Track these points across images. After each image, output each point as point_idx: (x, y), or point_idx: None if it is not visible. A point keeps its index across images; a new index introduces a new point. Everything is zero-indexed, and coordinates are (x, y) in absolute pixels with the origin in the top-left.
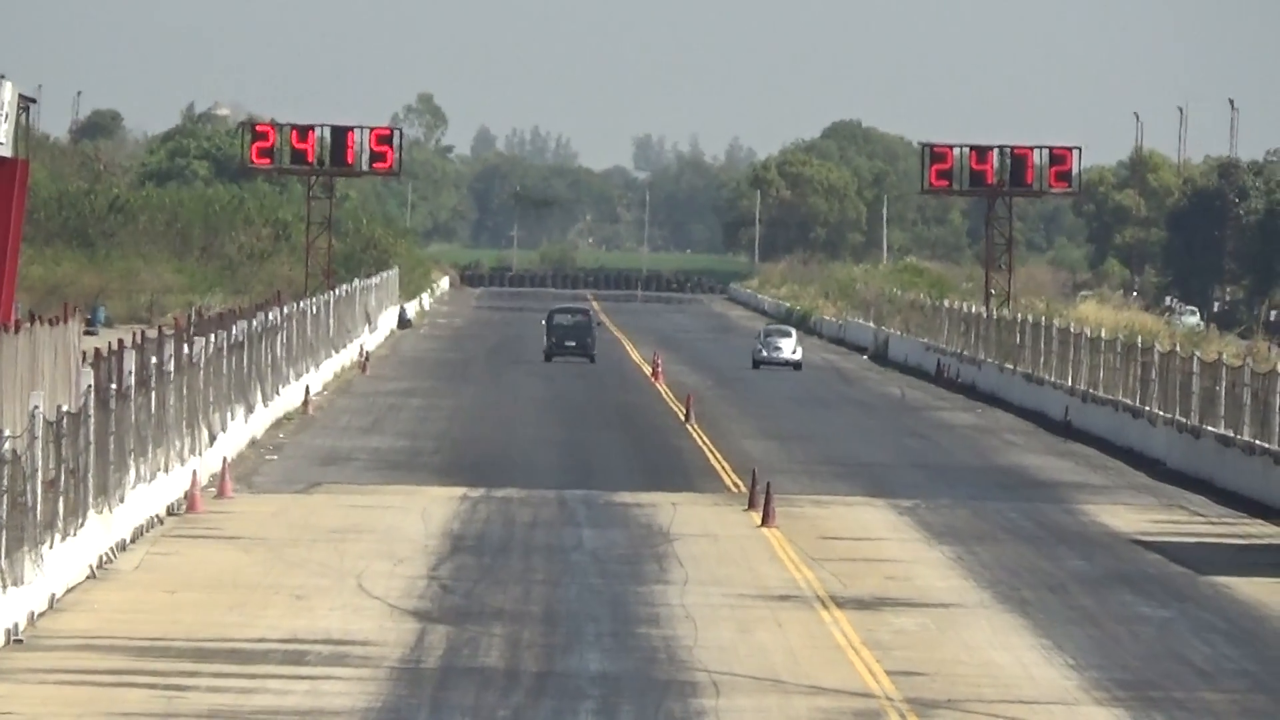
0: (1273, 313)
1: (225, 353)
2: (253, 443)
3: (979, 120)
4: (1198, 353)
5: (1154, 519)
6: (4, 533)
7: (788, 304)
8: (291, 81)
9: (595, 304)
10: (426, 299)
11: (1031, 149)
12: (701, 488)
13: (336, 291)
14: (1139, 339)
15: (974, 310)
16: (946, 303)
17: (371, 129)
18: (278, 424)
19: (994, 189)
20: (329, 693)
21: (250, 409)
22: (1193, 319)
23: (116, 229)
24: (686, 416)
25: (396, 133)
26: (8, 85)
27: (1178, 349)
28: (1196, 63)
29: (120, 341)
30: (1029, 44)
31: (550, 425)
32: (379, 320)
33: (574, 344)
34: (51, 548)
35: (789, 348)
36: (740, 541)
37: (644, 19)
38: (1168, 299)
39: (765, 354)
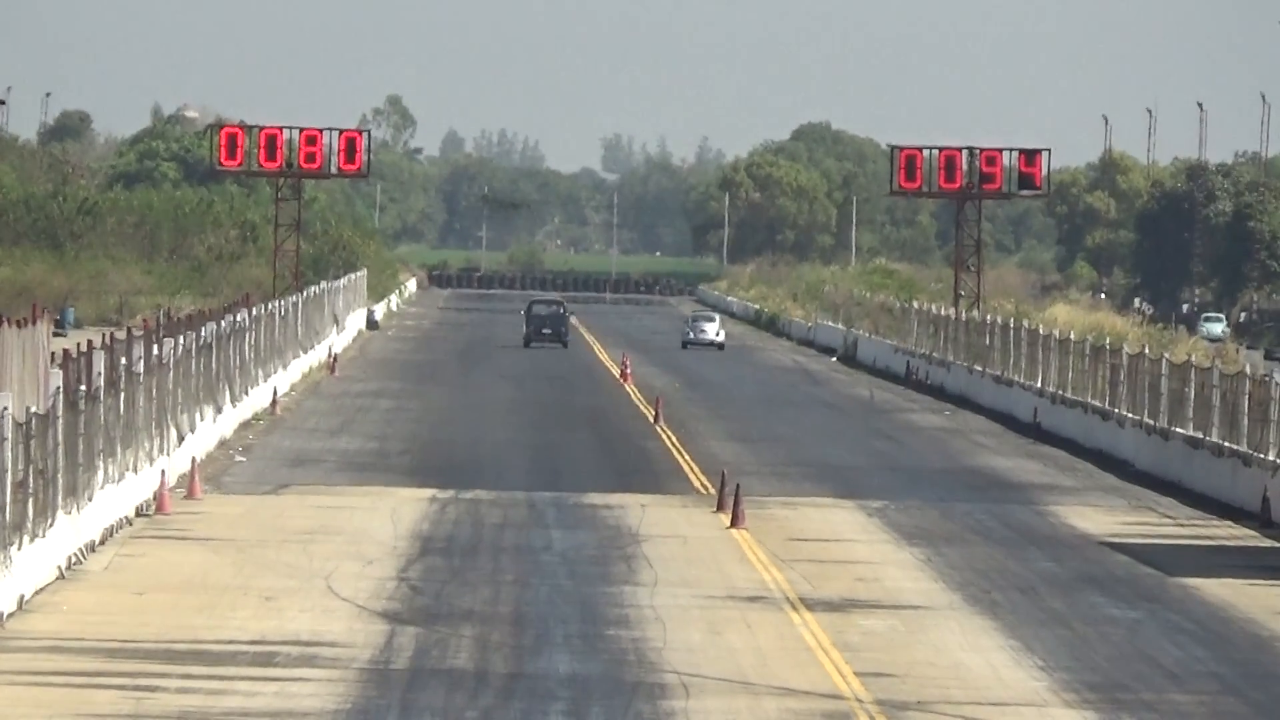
0: (1242, 314)
1: (194, 354)
2: (221, 443)
3: (948, 122)
4: (1167, 354)
5: (1123, 521)
6: None
7: (756, 306)
8: (260, 84)
9: None
10: (394, 300)
11: (1000, 151)
12: (670, 489)
13: (305, 293)
14: (1107, 340)
15: (943, 312)
16: (916, 304)
17: (340, 131)
18: (246, 425)
19: (963, 191)
20: (298, 694)
21: (219, 410)
22: (1217, 328)
23: (85, 231)
24: (655, 418)
25: (365, 135)
26: None
27: (1146, 351)
28: (1165, 65)
29: (89, 343)
30: (998, 46)
31: (519, 427)
32: (347, 321)
33: (550, 332)
34: (20, 549)
35: (712, 331)
36: (709, 543)
37: (612, 21)
38: (1136, 301)
39: (692, 336)
